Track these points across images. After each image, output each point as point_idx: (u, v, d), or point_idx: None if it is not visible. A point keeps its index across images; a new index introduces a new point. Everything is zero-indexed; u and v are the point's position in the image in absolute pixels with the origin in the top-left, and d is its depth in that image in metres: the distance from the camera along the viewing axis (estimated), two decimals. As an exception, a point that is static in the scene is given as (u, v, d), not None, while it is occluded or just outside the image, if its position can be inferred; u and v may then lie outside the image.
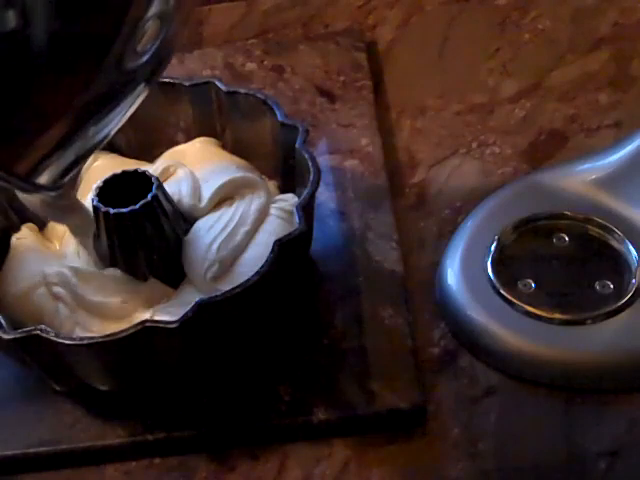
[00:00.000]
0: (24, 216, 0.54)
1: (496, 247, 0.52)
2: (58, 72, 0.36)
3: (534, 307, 0.49)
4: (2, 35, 0.34)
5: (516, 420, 0.48)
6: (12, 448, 0.49)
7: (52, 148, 0.38)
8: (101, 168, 0.54)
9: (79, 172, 0.43)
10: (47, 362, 0.48)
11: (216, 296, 0.45)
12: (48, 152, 0.38)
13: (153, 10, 0.38)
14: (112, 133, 0.41)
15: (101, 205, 0.48)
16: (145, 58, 0.38)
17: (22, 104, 0.36)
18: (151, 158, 0.57)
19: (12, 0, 0.34)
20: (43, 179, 0.39)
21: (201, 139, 0.56)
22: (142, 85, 0.40)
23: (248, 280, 0.45)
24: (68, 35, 0.35)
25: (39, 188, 0.39)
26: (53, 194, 0.41)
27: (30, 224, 0.54)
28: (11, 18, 0.34)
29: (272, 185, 0.55)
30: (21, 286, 0.50)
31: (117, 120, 0.40)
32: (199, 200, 0.52)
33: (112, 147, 0.57)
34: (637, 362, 0.48)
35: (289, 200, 0.53)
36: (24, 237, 0.53)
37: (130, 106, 0.40)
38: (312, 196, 0.49)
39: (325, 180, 0.54)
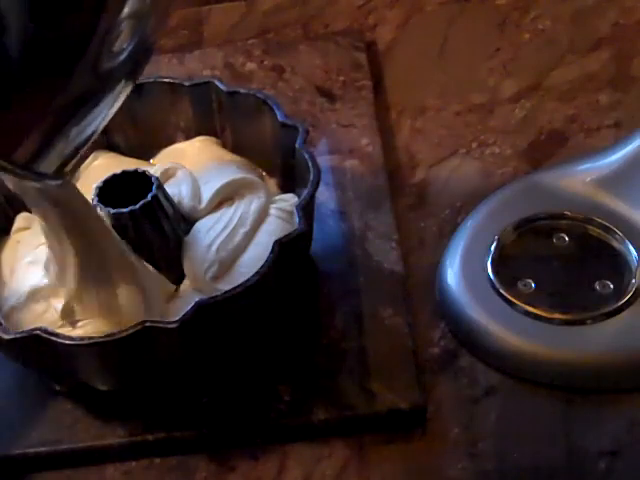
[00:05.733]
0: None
1: (496, 247, 0.52)
2: (35, 75, 0.36)
3: (534, 307, 0.49)
4: None
5: (516, 420, 0.48)
6: (12, 448, 0.49)
7: (45, 139, 0.38)
8: (101, 168, 0.54)
9: (80, 162, 0.43)
10: (47, 362, 0.48)
11: (216, 296, 0.45)
12: (42, 143, 0.39)
13: (128, 9, 0.38)
14: (102, 126, 0.41)
15: (101, 205, 0.48)
16: (122, 58, 0.39)
17: (3, 105, 0.37)
18: (151, 158, 0.57)
19: None
20: (44, 167, 0.39)
21: (201, 138, 0.56)
22: (122, 84, 0.40)
23: (248, 280, 0.45)
24: (43, 39, 0.36)
25: (41, 176, 0.40)
26: (54, 183, 0.41)
27: (24, 214, 0.54)
28: None
29: (272, 183, 0.55)
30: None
31: (104, 115, 0.40)
32: (199, 201, 0.52)
33: (112, 147, 0.57)
34: (637, 362, 0.48)
35: (289, 200, 0.52)
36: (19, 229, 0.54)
37: (114, 102, 0.40)
38: (312, 196, 0.49)
39: (325, 180, 0.54)
